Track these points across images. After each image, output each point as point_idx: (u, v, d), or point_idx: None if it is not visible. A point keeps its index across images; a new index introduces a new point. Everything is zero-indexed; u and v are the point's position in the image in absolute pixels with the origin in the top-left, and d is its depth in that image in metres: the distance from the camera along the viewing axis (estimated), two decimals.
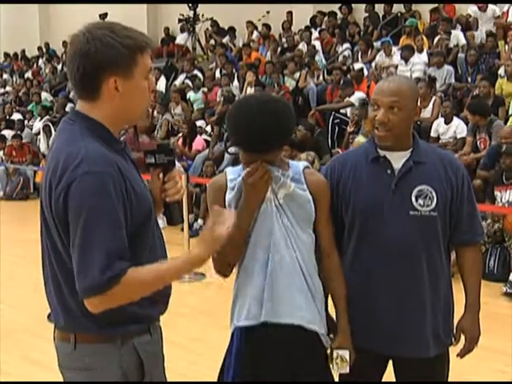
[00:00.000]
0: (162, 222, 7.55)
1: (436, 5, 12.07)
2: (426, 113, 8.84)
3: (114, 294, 1.75)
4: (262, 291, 2.32)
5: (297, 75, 11.37)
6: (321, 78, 11.47)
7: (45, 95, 15.58)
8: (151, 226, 1.95)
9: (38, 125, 13.98)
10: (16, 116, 15.01)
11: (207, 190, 2.49)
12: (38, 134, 13.49)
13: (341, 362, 2.40)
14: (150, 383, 2.01)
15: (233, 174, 2.41)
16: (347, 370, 2.41)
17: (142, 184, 1.95)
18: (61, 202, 1.77)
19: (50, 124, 12.90)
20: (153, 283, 1.86)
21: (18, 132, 13.57)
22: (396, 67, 10.43)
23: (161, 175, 2.11)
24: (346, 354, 2.40)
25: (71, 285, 1.82)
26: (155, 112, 11.96)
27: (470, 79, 9.74)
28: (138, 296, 1.85)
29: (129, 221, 1.83)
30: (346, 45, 12.15)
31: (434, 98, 8.97)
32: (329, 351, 2.41)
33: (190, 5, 14.90)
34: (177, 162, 9.66)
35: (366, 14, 13.08)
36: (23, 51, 19.57)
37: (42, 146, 12.89)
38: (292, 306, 2.33)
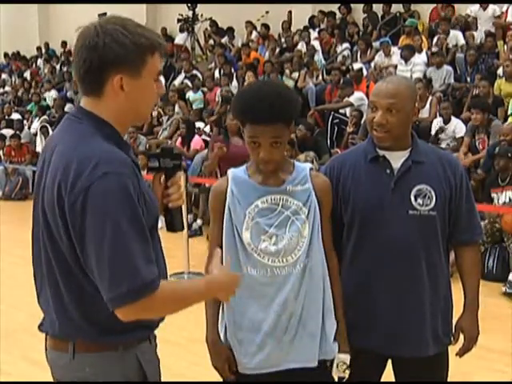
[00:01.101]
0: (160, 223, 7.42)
1: (438, 4, 12.06)
2: (424, 112, 8.87)
3: (149, 303, 1.67)
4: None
5: (295, 75, 11.37)
6: (320, 77, 11.47)
7: (53, 92, 15.52)
8: (156, 231, 1.89)
9: (36, 125, 13.98)
10: (15, 116, 15.01)
11: (210, 194, 2.47)
12: (36, 134, 13.48)
13: (341, 367, 2.39)
14: (150, 383, 2.00)
15: (235, 175, 2.39)
16: (347, 375, 2.40)
17: (149, 188, 1.88)
18: (78, 207, 1.66)
19: (48, 125, 12.88)
20: (183, 301, 1.80)
21: (17, 132, 13.56)
22: (395, 67, 10.43)
23: (163, 180, 2.04)
24: (347, 358, 2.39)
25: (74, 292, 1.76)
26: (155, 112, 11.97)
27: (469, 79, 9.75)
28: (169, 312, 1.79)
29: None
30: (345, 45, 12.15)
31: (430, 98, 8.99)
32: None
33: (189, 5, 14.90)
34: None
35: (365, 15, 13.07)
36: (23, 51, 19.57)
37: (39, 147, 12.87)
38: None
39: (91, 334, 1.78)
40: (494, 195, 6.65)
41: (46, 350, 1.92)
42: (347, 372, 2.39)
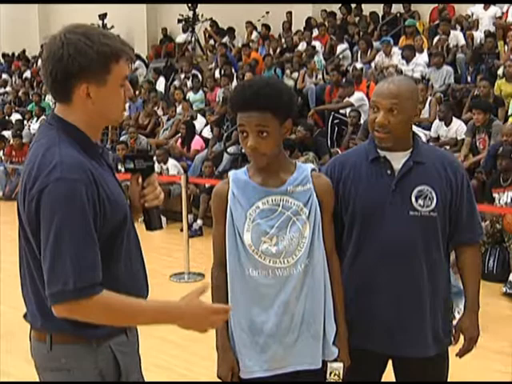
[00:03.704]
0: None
1: (439, 5, 12.04)
2: (424, 113, 8.86)
3: (82, 306, 1.76)
4: None
5: (295, 75, 11.36)
6: (319, 77, 11.43)
7: None
8: (126, 230, 1.96)
9: (35, 125, 13.97)
10: (15, 116, 15.00)
11: (211, 197, 2.48)
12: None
13: (334, 376, 2.37)
14: (140, 383, 2.04)
15: (236, 177, 2.38)
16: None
17: (118, 190, 1.96)
18: (33, 207, 1.79)
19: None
20: (123, 315, 1.85)
21: (18, 131, 13.54)
22: (395, 67, 10.42)
23: (140, 180, 2.11)
24: (340, 367, 2.38)
25: None
26: (159, 111, 11.96)
27: (469, 79, 9.73)
28: (105, 320, 1.84)
29: (102, 227, 1.84)
30: (346, 45, 12.13)
31: (429, 99, 8.98)
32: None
33: (190, 5, 14.89)
34: (176, 163, 9.65)
35: (366, 14, 13.06)
36: (23, 51, 19.56)
37: None
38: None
39: (65, 327, 1.87)
40: (495, 195, 6.65)
41: (30, 339, 2.02)
42: (339, 381, 2.37)
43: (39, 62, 18.71)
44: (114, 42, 1.88)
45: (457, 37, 10.70)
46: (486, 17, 11.09)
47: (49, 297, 1.78)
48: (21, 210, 1.88)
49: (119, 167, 8.89)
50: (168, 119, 11.69)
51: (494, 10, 11.03)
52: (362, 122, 9.06)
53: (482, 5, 11.17)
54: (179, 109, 11.78)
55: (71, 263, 1.74)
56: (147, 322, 1.89)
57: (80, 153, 1.85)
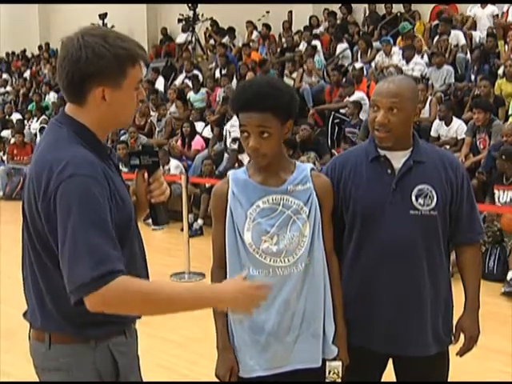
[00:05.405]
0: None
1: (440, 6, 12.04)
2: (424, 113, 8.85)
3: (107, 293, 1.70)
4: None
5: (295, 75, 11.35)
6: (313, 78, 11.40)
7: (52, 95, 15.49)
8: (131, 232, 1.96)
9: (35, 125, 13.96)
10: (16, 116, 14.99)
11: (211, 197, 2.48)
12: (37, 135, 13.46)
13: (333, 375, 2.37)
14: (139, 383, 2.04)
15: (236, 176, 2.38)
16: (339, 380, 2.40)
17: (124, 191, 1.96)
18: (51, 206, 1.77)
19: (46, 126, 12.83)
20: (154, 298, 1.77)
21: (19, 131, 13.52)
22: (396, 67, 10.42)
23: (146, 176, 2.11)
24: (339, 366, 2.38)
25: (49, 285, 1.87)
26: (158, 112, 11.96)
27: (471, 78, 9.72)
28: (134, 307, 1.78)
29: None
30: (346, 45, 12.13)
31: (430, 98, 8.98)
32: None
33: (190, 5, 14.89)
34: (179, 163, 9.65)
35: (366, 14, 13.06)
36: (23, 51, 19.57)
37: None
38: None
39: (65, 326, 1.88)
40: (496, 191, 6.63)
41: (29, 338, 2.02)
42: (338, 380, 2.38)
43: (40, 61, 18.73)
44: (130, 46, 1.88)
45: (457, 36, 10.68)
46: (483, 16, 11.08)
47: (72, 292, 1.73)
48: (27, 210, 1.87)
49: (120, 167, 8.89)
50: (159, 120, 11.62)
51: (492, 8, 11.02)
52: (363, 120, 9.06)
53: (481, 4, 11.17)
54: (172, 108, 11.76)
55: (90, 255, 1.71)
56: (182, 308, 1.84)
57: (89, 152, 1.85)
